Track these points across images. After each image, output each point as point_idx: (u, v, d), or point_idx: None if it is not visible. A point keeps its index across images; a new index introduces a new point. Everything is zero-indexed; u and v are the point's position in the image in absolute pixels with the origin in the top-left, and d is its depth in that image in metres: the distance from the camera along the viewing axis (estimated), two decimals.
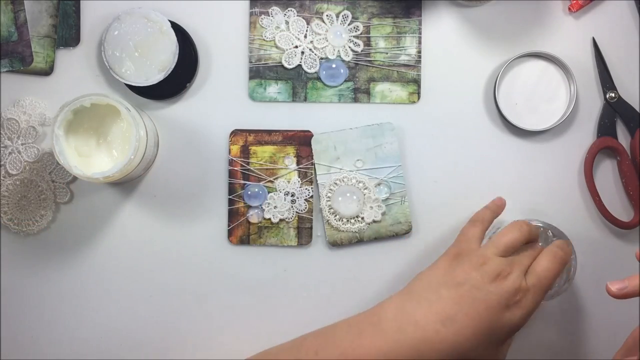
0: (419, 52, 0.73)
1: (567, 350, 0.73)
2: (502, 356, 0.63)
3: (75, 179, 0.73)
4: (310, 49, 0.73)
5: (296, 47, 0.73)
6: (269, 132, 0.73)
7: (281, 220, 0.73)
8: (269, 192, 0.73)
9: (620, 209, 0.73)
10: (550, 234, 0.68)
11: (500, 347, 0.62)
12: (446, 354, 0.59)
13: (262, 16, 0.73)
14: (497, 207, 0.69)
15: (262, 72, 0.73)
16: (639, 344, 0.57)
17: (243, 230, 0.73)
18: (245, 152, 0.73)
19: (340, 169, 0.72)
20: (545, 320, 0.73)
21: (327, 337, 0.62)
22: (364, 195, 0.72)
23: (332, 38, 0.73)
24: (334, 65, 0.73)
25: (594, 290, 0.73)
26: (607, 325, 0.73)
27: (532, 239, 0.66)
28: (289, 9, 0.73)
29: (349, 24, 0.73)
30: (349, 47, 0.73)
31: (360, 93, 0.73)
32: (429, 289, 0.62)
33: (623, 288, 0.57)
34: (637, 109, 0.72)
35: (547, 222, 0.69)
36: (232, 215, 0.73)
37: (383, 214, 0.72)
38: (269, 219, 0.72)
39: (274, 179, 0.73)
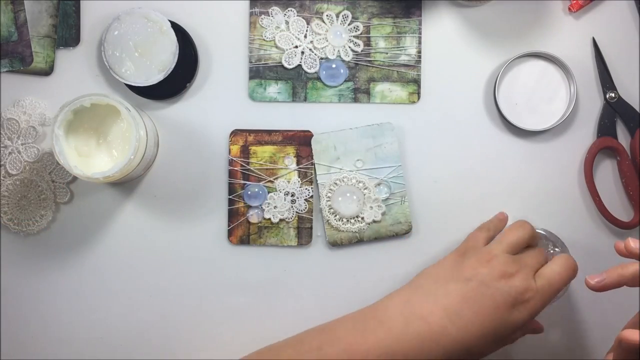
0: (419, 52, 0.73)
1: (568, 350, 0.73)
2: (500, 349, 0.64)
3: (75, 179, 0.73)
4: (310, 49, 0.73)
5: (296, 47, 0.73)
6: (269, 132, 0.73)
7: (281, 220, 0.73)
8: (269, 192, 0.73)
9: (620, 209, 0.73)
10: (551, 245, 0.69)
11: (503, 344, 0.63)
12: (450, 349, 0.60)
13: (262, 16, 0.73)
14: (500, 220, 0.71)
15: (262, 72, 0.73)
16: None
17: (243, 230, 0.73)
18: (245, 152, 0.73)
19: (340, 169, 0.72)
20: (546, 320, 0.73)
21: (331, 333, 0.62)
22: (364, 195, 0.72)
23: (332, 38, 0.73)
24: (334, 65, 0.73)
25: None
26: (607, 324, 0.73)
27: (534, 240, 0.67)
28: (289, 9, 0.73)
29: (349, 24, 0.73)
30: (349, 47, 0.73)
31: (360, 93, 0.73)
32: (436, 284, 0.62)
33: (601, 280, 0.58)
34: (637, 109, 0.72)
35: (548, 230, 0.70)
36: (232, 215, 0.73)
37: (383, 214, 0.72)
38: (269, 219, 0.72)
39: (274, 179, 0.73)
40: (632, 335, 0.52)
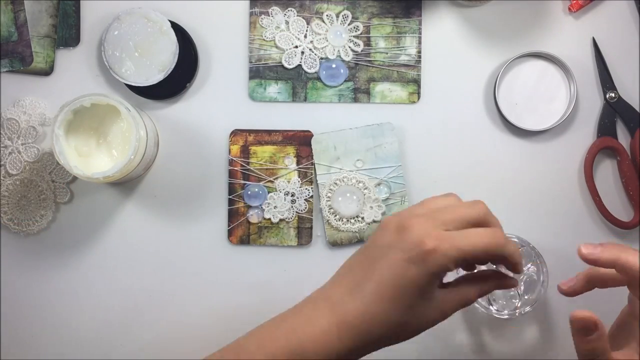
0: (419, 52, 0.73)
1: (567, 352, 0.73)
2: (428, 321, 0.55)
3: (75, 179, 0.73)
4: (310, 49, 0.73)
5: (296, 47, 0.73)
6: (269, 132, 0.73)
7: (281, 220, 0.73)
8: (269, 192, 0.73)
9: (620, 209, 0.73)
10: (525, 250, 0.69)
11: (417, 309, 0.54)
12: (360, 327, 0.53)
13: (262, 16, 0.73)
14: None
15: (262, 72, 0.73)
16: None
17: (243, 230, 0.73)
18: (245, 152, 0.73)
19: (340, 169, 0.72)
20: (546, 320, 0.73)
21: (250, 336, 0.58)
22: (364, 195, 0.72)
23: (332, 38, 0.73)
24: (334, 65, 0.73)
25: (593, 291, 0.72)
26: (607, 324, 0.73)
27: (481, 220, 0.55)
28: (289, 9, 0.73)
29: (349, 24, 0.73)
30: (349, 47, 0.73)
31: (360, 93, 0.73)
32: (343, 266, 0.57)
33: (572, 286, 0.58)
34: (637, 109, 0.72)
35: (525, 239, 0.69)
36: (232, 215, 0.73)
37: (383, 214, 0.72)
38: (269, 219, 0.72)
39: (274, 179, 0.73)
40: (581, 313, 0.52)
